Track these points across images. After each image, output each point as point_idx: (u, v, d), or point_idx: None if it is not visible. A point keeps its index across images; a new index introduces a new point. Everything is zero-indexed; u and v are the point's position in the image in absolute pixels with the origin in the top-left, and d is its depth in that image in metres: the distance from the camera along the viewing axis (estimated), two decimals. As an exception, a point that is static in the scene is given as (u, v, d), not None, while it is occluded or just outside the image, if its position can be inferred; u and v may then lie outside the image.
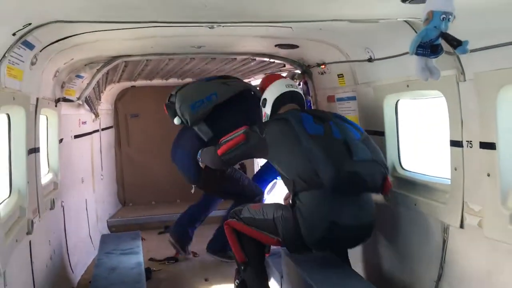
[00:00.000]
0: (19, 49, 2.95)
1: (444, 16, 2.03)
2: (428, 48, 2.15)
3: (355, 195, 3.45)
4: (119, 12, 2.43)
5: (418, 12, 2.72)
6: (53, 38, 3.32)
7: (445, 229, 3.28)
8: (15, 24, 2.36)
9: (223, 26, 3.62)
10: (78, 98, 5.09)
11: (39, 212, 3.82)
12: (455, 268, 3.19)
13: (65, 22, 2.48)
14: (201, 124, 5.00)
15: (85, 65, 4.90)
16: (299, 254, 3.85)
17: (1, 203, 3.24)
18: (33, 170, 3.72)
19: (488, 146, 2.77)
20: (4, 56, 2.55)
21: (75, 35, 3.49)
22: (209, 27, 3.62)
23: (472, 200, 3.00)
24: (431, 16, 2.05)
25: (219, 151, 4.01)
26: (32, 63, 3.42)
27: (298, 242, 3.54)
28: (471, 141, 2.96)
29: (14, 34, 2.44)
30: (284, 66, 5.79)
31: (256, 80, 7.26)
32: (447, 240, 3.27)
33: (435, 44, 2.15)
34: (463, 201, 3.08)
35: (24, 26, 2.38)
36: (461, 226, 3.10)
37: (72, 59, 4.36)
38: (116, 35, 3.80)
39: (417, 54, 2.16)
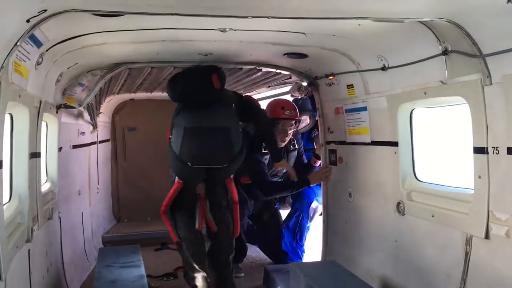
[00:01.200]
0: (27, 44, 2.82)
1: None
2: None
3: (203, 108, 4.31)
4: (138, 0, 2.32)
5: (445, 10, 2.66)
6: (62, 36, 3.19)
7: (468, 241, 3.15)
8: (30, 9, 2.23)
9: (235, 30, 3.54)
10: (80, 105, 4.94)
11: (38, 220, 3.63)
12: (479, 280, 3.05)
13: (81, 11, 2.36)
14: None
15: (88, 72, 4.77)
16: (191, 184, 4.56)
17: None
18: (34, 176, 3.55)
19: (517, 151, 2.66)
20: (16, 44, 2.41)
21: (83, 35, 3.38)
22: (221, 31, 3.54)
23: (499, 209, 2.87)
24: None
25: None
26: (38, 63, 3.28)
27: (180, 164, 4.32)
28: (497, 147, 2.86)
29: (28, 21, 2.31)
30: (290, 77, 5.70)
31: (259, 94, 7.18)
32: (470, 251, 3.13)
33: None
34: (488, 210, 2.95)
35: (40, 13, 2.25)
36: (487, 236, 2.96)
37: (76, 63, 4.24)
38: (123, 37, 3.69)
39: None
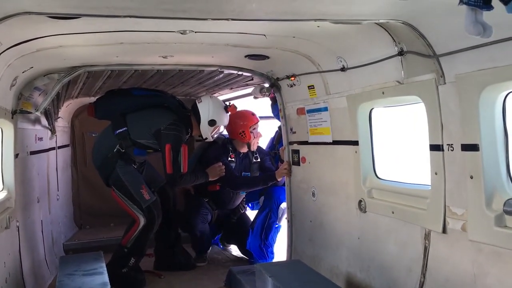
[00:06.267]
0: (-22, 48, 2.73)
1: None
2: None
3: None
4: (96, 2, 2.27)
5: (400, 12, 2.73)
6: (16, 39, 3.09)
7: (426, 235, 3.25)
8: (-20, 13, 2.16)
9: (195, 32, 3.52)
10: (37, 110, 4.79)
11: (-6, 230, 3.51)
12: (438, 274, 3.15)
13: (34, 14, 2.29)
14: None
15: (44, 76, 4.64)
16: None
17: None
18: (-12, 184, 3.43)
19: (471, 148, 2.76)
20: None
21: (38, 37, 3.29)
22: (181, 33, 3.51)
23: (455, 204, 2.98)
24: None
25: None
26: (-10, 67, 3.18)
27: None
28: (452, 144, 2.96)
29: (-23, 25, 2.23)
30: (252, 79, 5.72)
31: (222, 96, 7.15)
32: (429, 246, 3.23)
33: None
34: (445, 206, 3.05)
35: (-10, 16, 2.18)
36: (444, 231, 3.07)
37: (32, 67, 4.11)
38: (81, 40, 3.60)
39: (467, 4, 1.93)
